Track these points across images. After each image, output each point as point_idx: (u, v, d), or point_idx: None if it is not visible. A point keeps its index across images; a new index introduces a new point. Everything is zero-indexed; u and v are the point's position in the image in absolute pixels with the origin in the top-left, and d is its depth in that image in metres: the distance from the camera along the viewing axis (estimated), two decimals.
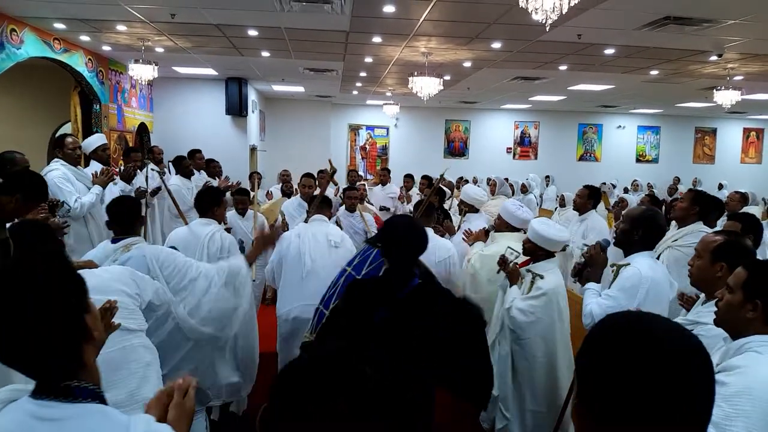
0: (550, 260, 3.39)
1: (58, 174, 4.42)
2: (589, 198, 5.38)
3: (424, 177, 8.40)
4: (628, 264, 2.77)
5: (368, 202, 7.67)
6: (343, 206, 5.88)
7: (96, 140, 5.31)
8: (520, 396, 3.41)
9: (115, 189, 4.99)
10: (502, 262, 3.59)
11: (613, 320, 0.92)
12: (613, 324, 0.91)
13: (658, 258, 3.87)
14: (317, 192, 6.06)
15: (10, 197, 2.83)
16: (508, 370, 3.42)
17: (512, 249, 3.72)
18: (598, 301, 2.77)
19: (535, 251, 3.36)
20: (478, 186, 8.78)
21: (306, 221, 4.40)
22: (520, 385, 3.41)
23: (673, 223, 4.31)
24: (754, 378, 1.52)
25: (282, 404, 0.93)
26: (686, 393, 0.81)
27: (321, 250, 3.96)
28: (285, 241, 4.02)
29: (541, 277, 3.30)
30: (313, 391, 0.91)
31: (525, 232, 4.14)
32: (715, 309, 1.83)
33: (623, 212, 3.71)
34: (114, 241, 3.01)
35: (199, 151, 7.74)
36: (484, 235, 4.30)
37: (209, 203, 4.01)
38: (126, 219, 3.05)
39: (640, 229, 2.80)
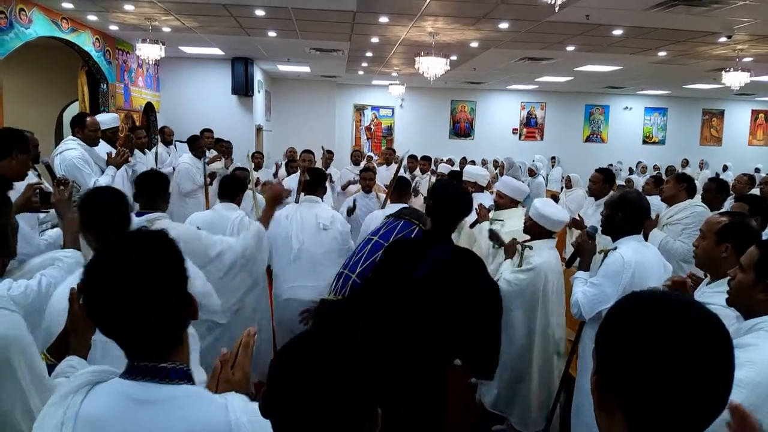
0: (549, 240, 3.40)
1: (76, 154, 4.34)
2: (605, 182, 5.30)
3: (424, 157, 8.41)
4: (615, 249, 2.76)
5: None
6: (358, 187, 5.91)
7: (110, 120, 5.20)
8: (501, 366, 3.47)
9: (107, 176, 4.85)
10: (494, 236, 3.65)
11: (632, 301, 0.92)
12: (632, 305, 0.90)
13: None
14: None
15: (9, 159, 2.86)
16: None
17: (496, 221, 3.89)
18: (584, 289, 2.78)
19: (536, 229, 3.38)
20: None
21: (297, 202, 4.38)
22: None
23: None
24: (763, 354, 1.55)
25: (280, 386, 0.93)
26: (714, 377, 0.82)
27: (310, 232, 3.93)
28: (274, 223, 4.02)
29: (530, 248, 3.29)
30: (309, 372, 0.91)
31: (523, 204, 4.24)
32: (728, 288, 1.82)
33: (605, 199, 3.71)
34: (138, 214, 3.02)
35: (209, 131, 7.77)
36: (487, 213, 4.37)
37: (237, 190, 4.04)
38: (151, 193, 3.06)
39: (619, 212, 2.78)
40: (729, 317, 1.86)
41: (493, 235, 3.77)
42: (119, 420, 1.08)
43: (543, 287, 3.25)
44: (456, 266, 2.38)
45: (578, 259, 3.03)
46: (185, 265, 1.19)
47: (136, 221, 3.01)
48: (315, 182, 4.16)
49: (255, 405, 1.12)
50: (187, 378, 1.15)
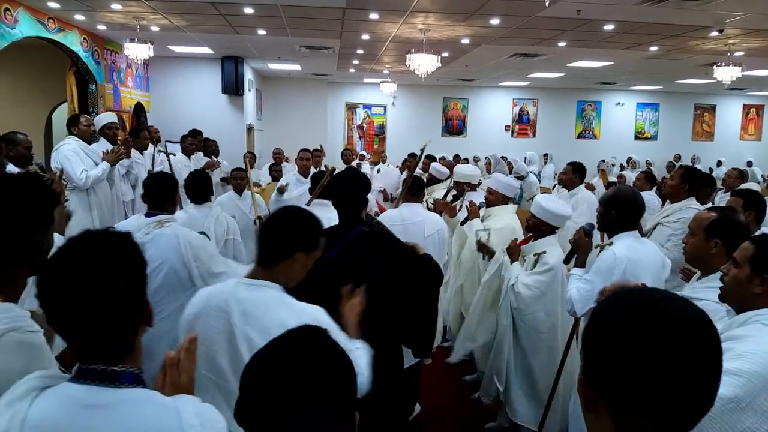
0: (552, 236, 3.40)
1: (69, 147, 4.67)
2: (574, 173, 5.42)
3: (411, 155, 8.38)
4: (611, 245, 2.75)
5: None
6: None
7: (105, 117, 5.47)
8: (525, 369, 3.46)
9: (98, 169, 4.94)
10: (483, 247, 3.66)
11: (619, 297, 0.92)
12: (620, 301, 0.90)
13: (650, 235, 3.90)
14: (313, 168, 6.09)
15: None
16: (505, 345, 3.47)
17: (481, 231, 3.88)
18: (578, 286, 2.77)
19: (540, 227, 3.36)
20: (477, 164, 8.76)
21: (308, 205, 4.37)
22: (524, 359, 3.45)
23: (667, 201, 4.34)
24: (757, 346, 1.55)
25: (251, 394, 0.95)
26: (701, 370, 0.81)
27: None
28: None
29: (544, 253, 3.31)
30: (279, 380, 0.93)
31: (514, 202, 4.25)
32: (720, 284, 1.82)
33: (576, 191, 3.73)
34: (148, 215, 3.04)
35: (200, 133, 7.72)
36: (477, 210, 4.36)
37: (208, 192, 4.02)
38: (160, 195, 3.08)
39: (613, 209, 2.77)
40: (718, 311, 1.86)
41: (482, 247, 3.77)
42: (68, 424, 1.06)
43: (561, 284, 3.27)
44: (365, 247, 2.48)
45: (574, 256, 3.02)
46: (145, 270, 1.17)
47: (145, 221, 3.01)
48: (326, 189, 4.20)
49: (206, 407, 1.15)
50: (138, 382, 1.14)
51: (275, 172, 7.69)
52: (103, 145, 5.09)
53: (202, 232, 3.32)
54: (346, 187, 2.65)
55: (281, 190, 5.57)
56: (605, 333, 0.87)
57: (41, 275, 1.11)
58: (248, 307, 1.75)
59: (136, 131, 6.52)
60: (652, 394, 0.81)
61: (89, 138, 4.88)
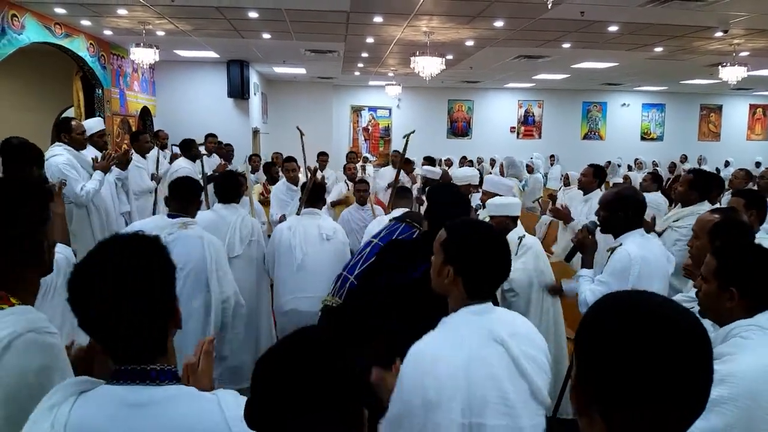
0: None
1: (62, 160, 4.28)
2: (594, 177, 5.34)
3: (427, 158, 8.37)
4: (620, 245, 2.73)
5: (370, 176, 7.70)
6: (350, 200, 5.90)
7: (94, 125, 5.10)
8: None
9: (110, 176, 4.73)
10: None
11: (610, 300, 0.92)
12: (611, 304, 0.91)
13: (660, 236, 3.90)
14: (301, 175, 6.09)
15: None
16: None
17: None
18: (592, 288, 2.74)
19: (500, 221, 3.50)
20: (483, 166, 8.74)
21: (298, 213, 4.39)
22: None
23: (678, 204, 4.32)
24: (736, 365, 1.51)
25: (262, 396, 0.95)
26: (692, 370, 0.82)
27: (313, 243, 3.94)
28: (278, 234, 4.02)
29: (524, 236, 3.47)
30: (291, 385, 0.93)
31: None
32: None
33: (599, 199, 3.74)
34: (171, 216, 3.12)
35: (213, 135, 7.75)
36: (474, 213, 4.39)
37: (235, 191, 4.06)
38: (186, 198, 3.15)
39: (621, 211, 2.75)
40: None
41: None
42: (114, 425, 1.07)
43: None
44: None
45: (578, 254, 3.01)
46: (173, 272, 1.19)
47: (169, 222, 3.07)
48: (315, 195, 4.25)
49: (243, 398, 1.13)
50: (176, 379, 1.15)
51: (274, 174, 7.72)
52: (90, 152, 4.74)
53: None
54: (446, 203, 2.48)
55: (282, 220, 5.54)
56: (598, 336, 0.87)
57: (73, 279, 1.12)
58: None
59: (137, 135, 6.44)
60: (645, 397, 0.81)
61: (81, 145, 4.53)
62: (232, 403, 1.13)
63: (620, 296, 0.92)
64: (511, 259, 1.67)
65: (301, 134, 5.95)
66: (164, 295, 1.15)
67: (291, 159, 6.21)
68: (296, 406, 0.92)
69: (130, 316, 1.09)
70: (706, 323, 1.83)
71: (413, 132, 4.96)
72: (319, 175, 5.84)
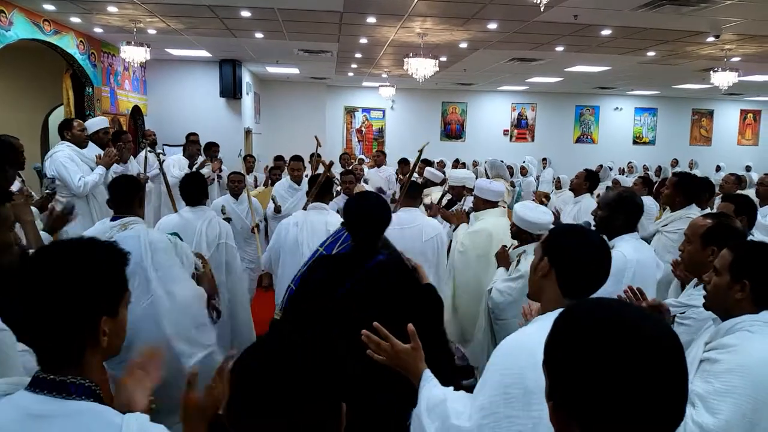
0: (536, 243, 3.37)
1: (63, 154, 4.57)
2: (586, 180, 5.42)
3: (424, 161, 8.32)
4: (613, 248, 2.71)
5: (365, 181, 7.65)
6: (341, 191, 5.86)
7: (99, 122, 5.38)
8: None
9: (111, 172, 4.99)
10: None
11: (581, 313, 0.89)
12: (581, 317, 0.88)
13: (650, 242, 3.89)
14: (306, 174, 6.08)
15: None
16: (486, 346, 3.45)
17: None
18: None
19: (521, 235, 3.36)
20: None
21: (305, 209, 4.35)
22: None
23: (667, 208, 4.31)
24: (746, 356, 1.56)
25: (241, 397, 0.94)
26: (669, 384, 0.81)
27: (320, 239, 3.87)
28: (283, 230, 3.97)
29: (524, 252, 3.30)
30: (268, 385, 0.92)
31: (502, 204, 4.23)
32: (704, 293, 1.83)
33: (598, 199, 3.70)
34: (113, 219, 3.01)
35: (195, 134, 7.66)
36: (465, 216, 4.34)
37: (201, 193, 3.96)
38: (124, 198, 3.02)
39: (621, 213, 2.76)
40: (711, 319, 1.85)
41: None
42: None
43: None
44: (380, 282, 2.23)
45: None
46: (102, 284, 1.17)
47: (110, 225, 2.97)
48: (325, 188, 4.20)
49: (156, 427, 1.15)
50: (90, 395, 1.13)
51: (274, 175, 7.66)
52: (93, 150, 5.00)
53: (174, 233, 3.25)
54: (365, 213, 2.31)
55: (278, 210, 5.51)
56: (572, 352, 0.84)
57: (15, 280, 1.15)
58: None
59: (118, 134, 6.35)
60: (624, 412, 0.80)
61: (82, 143, 4.81)
62: (135, 429, 1.11)
63: (588, 308, 0.90)
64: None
65: (318, 144, 6.25)
66: (77, 306, 1.12)
67: (298, 158, 6.19)
68: (276, 411, 0.92)
69: (36, 325, 1.11)
70: (707, 319, 1.86)
71: (428, 143, 4.96)
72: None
